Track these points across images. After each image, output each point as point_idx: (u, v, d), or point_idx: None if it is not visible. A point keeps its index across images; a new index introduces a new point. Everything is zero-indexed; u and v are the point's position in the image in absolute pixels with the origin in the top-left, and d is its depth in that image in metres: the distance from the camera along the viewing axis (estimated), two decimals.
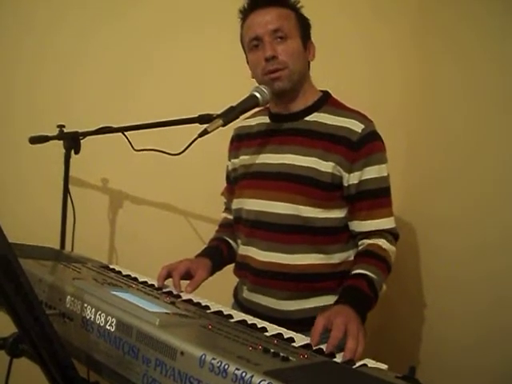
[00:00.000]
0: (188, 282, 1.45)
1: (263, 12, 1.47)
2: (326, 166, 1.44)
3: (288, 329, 1.13)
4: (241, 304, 1.61)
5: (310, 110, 1.53)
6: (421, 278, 2.02)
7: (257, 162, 1.56)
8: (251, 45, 1.49)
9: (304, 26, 1.53)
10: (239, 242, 1.64)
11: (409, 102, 2.28)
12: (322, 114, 1.51)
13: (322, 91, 1.58)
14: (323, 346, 1.04)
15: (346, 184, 1.46)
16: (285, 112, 1.55)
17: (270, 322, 1.17)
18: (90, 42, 2.13)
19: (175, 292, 1.38)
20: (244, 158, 1.62)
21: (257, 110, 1.58)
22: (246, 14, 1.52)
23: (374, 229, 1.46)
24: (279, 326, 1.15)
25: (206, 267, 1.53)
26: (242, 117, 1.49)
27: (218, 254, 1.64)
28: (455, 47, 1.95)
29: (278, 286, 1.48)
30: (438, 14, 2.13)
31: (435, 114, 2.10)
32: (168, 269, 1.45)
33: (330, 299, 1.45)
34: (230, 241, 1.71)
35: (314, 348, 1.03)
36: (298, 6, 1.53)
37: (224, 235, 1.73)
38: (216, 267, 1.60)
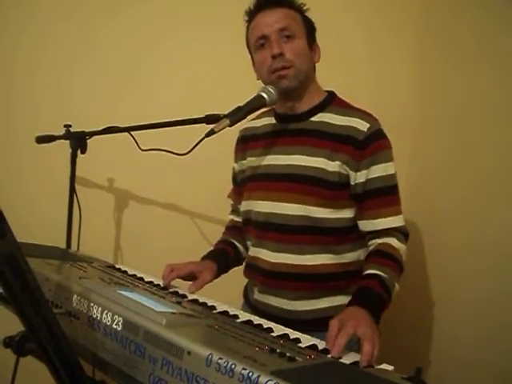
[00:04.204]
0: (191, 282, 1.46)
1: (270, 12, 1.48)
2: (332, 166, 1.44)
3: (301, 329, 1.12)
4: (252, 305, 1.61)
5: (315, 111, 1.52)
6: (426, 276, 2.02)
7: (264, 163, 1.56)
8: (258, 44, 1.49)
9: (309, 27, 1.54)
10: (249, 243, 1.63)
11: (412, 102, 2.28)
12: (327, 114, 1.51)
13: (327, 91, 1.58)
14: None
15: (352, 183, 1.45)
16: (290, 112, 1.55)
17: (283, 323, 1.16)
18: (95, 41, 2.14)
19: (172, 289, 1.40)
20: (251, 160, 1.61)
21: (262, 110, 1.58)
22: (252, 15, 1.52)
23: (382, 227, 1.44)
24: (292, 326, 1.14)
25: (212, 270, 1.54)
26: (247, 117, 1.49)
27: (223, 257, 1.64)
28: (458, 49, 1.96)
29: (289, 286, 1.48)
30: (441, 16, 2.13)
31: (438, 114, 2.11)
32: (172, 267, 1.46)
33: (341, 299, 1.45)
34: (237, 243, 1.71)
35: (320, 348, 1.03)
36: (304, 8, 1.54)
37: (231, 238, 1.72)
38: (221, 270, 1.60)
